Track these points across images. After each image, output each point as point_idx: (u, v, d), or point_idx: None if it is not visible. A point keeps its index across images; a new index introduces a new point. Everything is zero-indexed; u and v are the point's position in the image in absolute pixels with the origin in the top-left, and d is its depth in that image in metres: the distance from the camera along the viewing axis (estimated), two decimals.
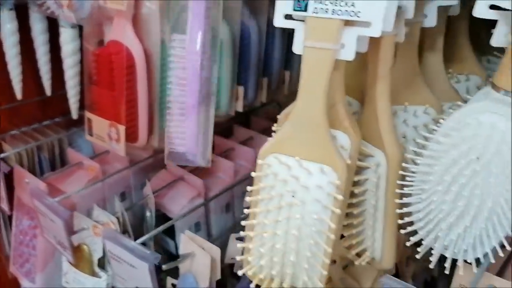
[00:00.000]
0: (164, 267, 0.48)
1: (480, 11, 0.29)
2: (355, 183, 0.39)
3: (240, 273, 0.37)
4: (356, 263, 0.42)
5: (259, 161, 0.35)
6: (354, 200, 0.39)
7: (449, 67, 0.47)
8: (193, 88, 0.48)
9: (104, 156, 0.73)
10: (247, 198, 0.36)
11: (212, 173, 0.70)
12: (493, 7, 0.28)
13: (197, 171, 0.70)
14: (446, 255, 0.32)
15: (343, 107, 0.36)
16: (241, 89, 0.60)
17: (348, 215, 0.40)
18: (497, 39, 0.30)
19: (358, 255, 0.42)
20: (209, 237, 0.67)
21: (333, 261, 0.47)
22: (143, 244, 0.51)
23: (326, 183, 0.33)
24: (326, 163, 0.33)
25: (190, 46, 0.46)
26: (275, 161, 0.35)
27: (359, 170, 0.39)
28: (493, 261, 0.31)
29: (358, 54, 0.36)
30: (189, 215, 0.63)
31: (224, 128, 0.81)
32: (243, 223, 0.36)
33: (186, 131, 0.49)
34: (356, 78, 0.42)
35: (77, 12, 0.58)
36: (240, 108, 0.61)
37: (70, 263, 0.58)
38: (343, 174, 0.33)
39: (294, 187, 0.34)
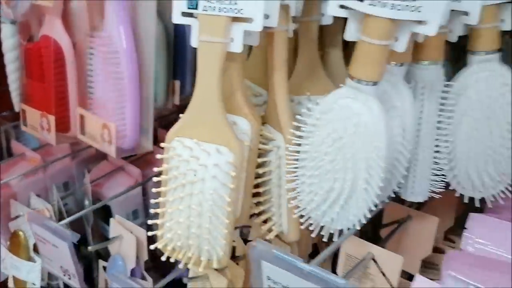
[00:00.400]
0: (90, 248, 0.51)
1: (332, 10, 0.34)
2: (260, 164, 0.43)
3: (152, 247, 0.41)
4: (267, 237, 0.46)
5: (165, 145, 0.39)
6: (260, 180, 0.44)
7: None
8: (131, 81, 0.50)
9: (48, 148, 0.75)
10: (155, 179, 0.40)
11: (153, 164, 0.73)
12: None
13: (138, 162, 0.73)
14: (321, 224, 0.37)
15: (242, 95, 0.40)
16: (177, 83, 0.64)
17: (256, 194, 0.45)
18: (349, 34, 0.34)
19: (270, 230, 0.46)
20: (148, 224, 0.70)
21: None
22: (76, 229, 0.54)
23: (223, 162, 0.37)
24: (223, 144, 0.37)
25: (116, 41, 0.48)
26: (179, 144, 0.39)
27: (264, 152, 0.43)
28: (358, 227, 0.36)
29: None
30: (126, 203, 0.66)
31: (169, 122, 0.85)
32: (152, 201, 0.40)
33: (127, 122, 0.52)
34: (265, 71, 0.46)
35: (14, 8, 0.60)
36: (177, 102, 0.65)
37: (8, 249, 0.60)
38: (239, 153, 0.38)
39: (195, 166, 0.38)
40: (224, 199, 0.37)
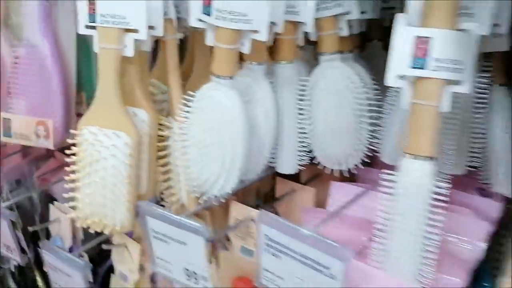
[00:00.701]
0: (30, 228, 0.60)
1: (193, 22, 0.44)
2: (163, 148, 0.53)
3: (67, 216, 0.50)
4: (172, 208, 0.55)
5: (75, 132, 0.49)
6: (161, 161, 0.53)
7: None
8: (59, 84, 0.60)
9: (2, 149, 0.83)
10: (68, 159, 0.49)
11: None
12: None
13: None
14: (203, 191, 0.47)
15: (141, 91, 0.50)
16: None
17: (161, 172, 0.54)
18: (208, 40, 0.44)
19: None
20: None
21: None
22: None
23: (121, 144, 0.47)
24: (120, 130, 0.47)
25: (41, 49, 0.58)
26: (86, 131, 0.48)
27: (165, 138, 0.53)
28: (229, 191, 0.46)
29: None
30: None
31: None
32: (66, 178, 0.49)
33: (57, 120, 0.61)
34: None
35: None
36: None
37: None
38: (134, 136, 0.48)
39: (98, 148, 0.47)
40: (123, 174, 0.47)
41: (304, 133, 0.52)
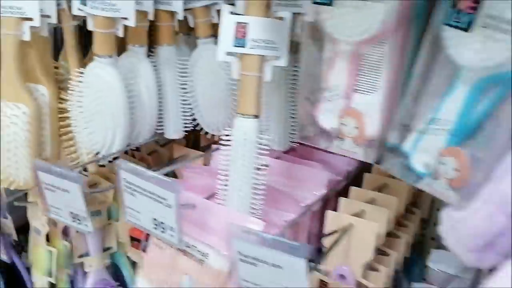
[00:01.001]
0: None
1: (74, 11, 0.53)
2: (63, 118, 0.62)
3: None
4: (76, 168, 0.64)
5: None
6: (64, 130, 0.62)
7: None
8: None
9: None
10: None
11: None
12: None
13: None
14: (90, 154, 0.57)
15: (41, 70, 0.59)
16: None
17: (65, 139, 0.63)
18: (89, 27, 0.53)
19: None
20: None
21: None
22: None
23: (20, 113, 0.56)
24: (20, 102, 0.56)
25: None
26: None
27: (65, 110, 0.62)
28: (114, 152, 0.56)
29: None
30: None
31: None
32: None
33: None
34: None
35: None
36: None
37: None
38: (32, 107, 0.57)
39: (3, 117, 0.56)
40: (23, 139, 0.56)
41: (188, 104, 0.62)
